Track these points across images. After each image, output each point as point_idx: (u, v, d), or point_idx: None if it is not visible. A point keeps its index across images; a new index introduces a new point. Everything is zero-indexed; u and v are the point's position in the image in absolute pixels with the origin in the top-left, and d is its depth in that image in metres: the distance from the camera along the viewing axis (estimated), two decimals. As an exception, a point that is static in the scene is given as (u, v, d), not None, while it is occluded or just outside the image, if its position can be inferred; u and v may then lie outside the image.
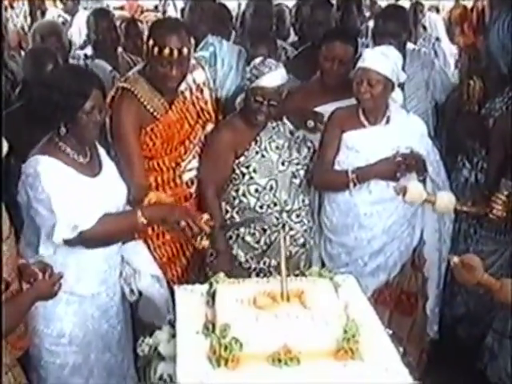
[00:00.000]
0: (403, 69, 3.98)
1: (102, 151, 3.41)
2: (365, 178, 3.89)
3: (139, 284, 3.58)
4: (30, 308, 2.93)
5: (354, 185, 3.89)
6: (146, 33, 6.13)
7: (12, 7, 10.99)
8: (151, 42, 3.55)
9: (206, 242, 3.32)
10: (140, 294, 3.61)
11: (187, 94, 3.89)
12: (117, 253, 3.48)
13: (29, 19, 8.39)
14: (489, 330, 4.18)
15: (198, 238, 3.29)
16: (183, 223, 3.21)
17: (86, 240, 3.16)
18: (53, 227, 3.08)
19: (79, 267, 3.28)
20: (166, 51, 3.50)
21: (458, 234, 4.48)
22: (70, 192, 3.11)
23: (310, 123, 4.09)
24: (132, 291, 3.58)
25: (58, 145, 3.16)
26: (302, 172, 4.02)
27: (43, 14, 6.83)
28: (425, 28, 8.66)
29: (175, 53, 3.51)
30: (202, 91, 3.98)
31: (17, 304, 2.79)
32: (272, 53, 4.57)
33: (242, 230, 3.95)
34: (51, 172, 3.08)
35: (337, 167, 3.97)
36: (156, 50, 3.51)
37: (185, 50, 3.55)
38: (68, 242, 3.14)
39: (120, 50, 5.57)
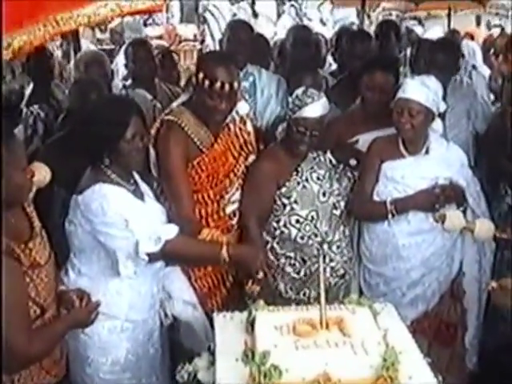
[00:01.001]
0: (445, 98, 3.97)
1: (138, 177, 3.45)
2: (403, 209, 3.88)
3: (172, 309, 3.62)
4: (64, 334, 2.96)
5: (393, 216, 3.87)
6: (181, 63, 6.24)
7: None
8: (201, 75, 3.51)
9: (257, 288, 3.33)
10: (175, 319, 3.64)
11: (231, 125, 3.86)
12: (163, 277, 3.52)
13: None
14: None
15: (250, 283, 3.33)
16: (261, 275, 3.26)
17: (168, 252, 3.23)
18: (135, 245, 3.14)
19: (132, 293, 3.34)
20: (218, 85, 3.48)
21: (501, 262, 4.43)
22: (138, 210, 3.19)
23: (353, 162, 4.06)
24: (166, 315, 3.62)
25: (106, 173, 3.21)
26: (342, 203, 4.01)
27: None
28: (463, 56, 8.65)
29: (226, 86, 3.49)
30: (245, 123, 3.94)
31: (53, 330, 2.82)
32: (316, 83, 4.57)
33: (282, 260, 3.94)
34: (117, 196, 3.15)
35: (376, 198, 3.96)
36: (207, 83, 3.48)
37: (235, 84, 3.54)
38: (152, 257, 3.20)
39: (157, 80, 5.63)
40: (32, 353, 2.65)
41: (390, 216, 3.88)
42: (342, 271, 4.03)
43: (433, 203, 3.81)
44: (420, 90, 3.75)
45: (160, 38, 12.30)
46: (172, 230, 3.24)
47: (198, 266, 3.67)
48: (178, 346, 3.74)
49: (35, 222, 2.89)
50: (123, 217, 3.11)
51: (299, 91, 3.83)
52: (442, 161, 3.91)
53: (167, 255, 3.26)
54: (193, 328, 3.62)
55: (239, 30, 4.87)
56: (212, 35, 12.16)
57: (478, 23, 14.78)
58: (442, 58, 4.68)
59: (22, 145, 2.79)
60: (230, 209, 3.87)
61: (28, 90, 5.58)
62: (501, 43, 5.02)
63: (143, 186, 3.47)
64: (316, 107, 3.76)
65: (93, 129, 3.20)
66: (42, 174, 3.47)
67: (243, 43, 4.71)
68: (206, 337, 3.48)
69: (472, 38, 12.01)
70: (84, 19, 2.87)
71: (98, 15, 2.90)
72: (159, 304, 3.58)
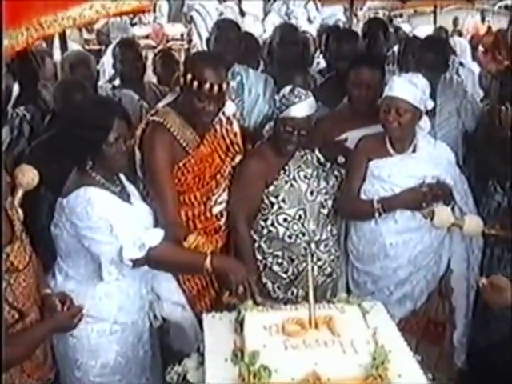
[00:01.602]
0: (435, 97, 3.97)
1: (124, 179, 3.44)
2: (390, 207, 3.88)
3: (162, 310, 3.62)
4: (45, 338, 2.97)
5: (380, 214, 3.88)
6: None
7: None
8: (189, 76, 3.47)
9: (233, 301, 3.28)
10: (164, 320, 3.64)
11: (217, 126, 3.83)
12: (151, 278, 3.51)
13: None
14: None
15: (227, 294, 3.29)
16: (241, 289, 3.21)
17: (153, 259, 3.20)
18: (119, 250, 3.11)
19: (121, 295, 3.32)
20: (207, 86, 3.44)
21: (490, 259, 4.44)
22: (123, 215, 3.16)
23: (341, 159, 4.06)
24: (155, 317, 3.61)
25: (91, 175, 3.19)
26: (329, 202, 4.01)
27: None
28: (454, 53, 8.68)
29: (215, 88, 3.46)
30: (231, 123, 3.92)
31: (32, 334, 2.82)
32: (304, 82, 4.56)
33: (269, 259, 3.94)
34: (102, 200, 3.12)
35: (363, 196, 3.96)
36: (195, 84, 3.44)
37: (224, 86, 3.52)
38: (135, 263, 3.17)
39: (147, 79, 5.61)
40: (9, 356, 2.62)
41: (376, 215, 3.88)
42: (329, 270, 4.03)
43: (420, 202, 3.82)
44: (407, 88, 3.74)
45: (147, 37, 12.29)
46: (156, 236, 3.21)
47: (181, 273, 3.65)
48: (167, 347, 3.74)
49: (16, 226, 2.88)
50: (108, 221, 3.09)
51: (286, 90, 3.82)
52: (429, 159, 3.91)
53: (151, 262, 3.23)
54: (182, 329, 3.62)
55: (227, 29, 4.83)
56: (199, 34, 12.13)
57: (483, 19, 14.76)
58: (432, 56, 4.67)
59: None
60: (216, 210, 3.86)
61: (14, 92, 5.54)
62: (487, 41, 5.04)
63: (130, 187, 3.45)
64: (303, 106, 3.76)
65: (76, 131, 3.16)
66: (29, 176, 3.47)
67: (231, 42, 4.67)
68: (195, 338, 3.46)
69: (460, 34, 12.09)
70: (69, 21, 2.83)
71: (83, 17, 2.86)
72: (148, 305, 3.57)
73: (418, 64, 4.67)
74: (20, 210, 3.24)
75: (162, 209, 3.53)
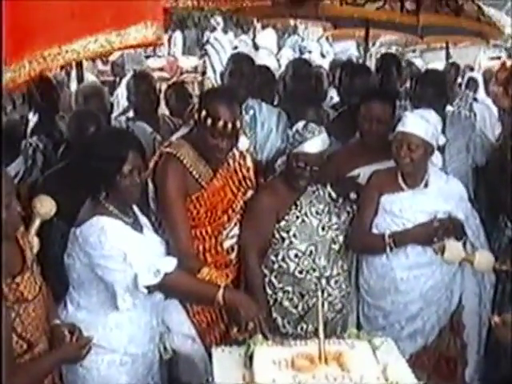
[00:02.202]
0: (443, 132, 3.98)
1: (137, 210, 3.45)
2: (401, 242, 3.88)
3: (172, 343, 3.61)
4: (52, 369, 2.96)
5: (391, 249, 3.87)
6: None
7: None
8: (204, 113, 3.47)
9: (241, 336, 3.28)
10: (174, 352, 3.62)
11: (230, 161, 3.83)
12: (162, 310, 3.50)
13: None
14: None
15: (235, 329, 3.30)
16: (251, 325, 3.21)
17: (167, 285, 3.22)
18: (134, 278, 3.12)
19: (132, 326, 3.31)
20: (220, 124, 3.44)
21: (502, 295, 4.40)
22: (137, 244, 3.18)
23: (353, 195, 4.06)
24: (165, 349, 3.59)
25: (104, 206, 3.20)
26: (341, 237, 3.99)
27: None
28: (460, 86, 8.70)
29: (229, 126, 3.46)
30: (244, 158, 3.92)
31: (39, 364, 2.82)
32: (318, 116, 4.56)
33: (280, 294, 3.92)
34: (115, 229, 3.14)
35: (374, 230, 3.96)
36: (209, 121, 3.45)
37: (238, 123, 3.52)
38: (151, 289, 3.19)
39: (161, 112, 5.63)
40: None
41: (388, 249, 3.87)
42: (339, 306, 4.00)
43: (431, 237, 3.81)
44: (419, 123, 3.76)
45: (161, 69, 12.37)
46: (171, 263, 3.23)
47: (192, 303, 3.64)
48: (175, 380, 3.72)
49: (27, 255, 2.88)
50: (121, 250, 3.10)
51: (300, 125, 3.83)
52: (441, 194, 3.91)
53: (165, 288, 3.25)
54: (192, 361, 3.61)
55: (241, 62, 4.85)
56: (213, 67, 12.22)
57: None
58: (428, 90, 4.68)
59: (9, 180, 2.76)
60: (227, 244, 3.84)
61: (31, 122, 5.59)
62: (501, 76, 5.03)
63: (143, 219, 3.46)
64: (316, 142, 3.77)
65: (90, 163, 3.20)
66: (48, 206, 3.48)
67: (245, 76, 4.68)
68: (205, 370, 3.44)
69: (472, 69, 12.09)
70: (73, 55, 2.80)
71: (87, 50, 2.86)
72: (159, 337, 3.55)
73: (418, 98, 4.69)
74: (36, 240, 3.26)
75: (176, 240, 3.53)
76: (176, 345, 3.63)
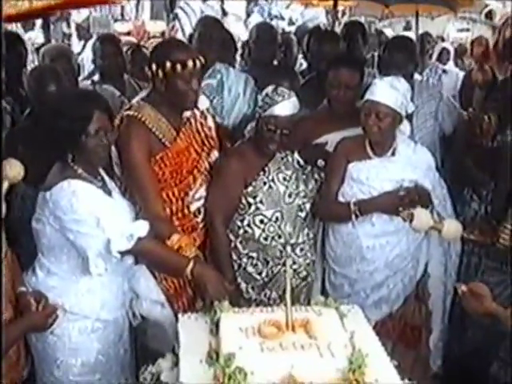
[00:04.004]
0: (411, 100, 3.97)
1: (103, 173, 3.41)
2: (367, 210, 3.87)
3: (141, 309, 3.58)
4: (18, 338, 2.93)
5: (356, 217, 3.86)
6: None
7: (32, 28, 11.11)
8: (168, 64, 3.45)
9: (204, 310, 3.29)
10: (143, 318, 3.61)
11: (192, 120, 3.81)
12: (132, 275, 3.48)
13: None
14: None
15: (201, 303, 3.35)
16: (216, 303, 3.17)
17: (139, 250, 3.21)
18: (107, 243, 3.09)
19: (104, 291, 3.29)
20: (190, 64, 3.45)
21: (467, 267, 4.44)
22: (109, 208, 3.15)
23: (321, 162, 4.04)
24: (134, 315, 3.58)
25: (73, 168, 3.16)
26: (308, 205, 3.98)
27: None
28: (430, 57, 8.73)
29: (198, 63, 3.50)
30: (205, 118, 3.91)
31: (4, 334, 2.75)
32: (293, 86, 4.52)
33: (244, 260, 3.91)
34: (87, 193, 3.10)
35: (341, 198, 3.95)
36: (179, 67, 3.44)
37: (202, 59, 3.55)
38: (123, 254, 3.17)
39: (126, 76, 5.56)
40: None
41: (353, 217, 3.86)
42: (304, 273, 4.01)
43: (396, 206, 3.80)
44: (388, 92, 3.73)
45: (128, 34, 12.25)
46: (144, 227, 3.20)
47: (159, 271, 3.61)
48: (142, 347, 3.70)
49: None
50: (94, 214, 3.07)
51: (269, 89, 3.80)
52: (408, 163, 3.91)
53: (137, 253, 3.25)
54: (161, 328, 3.59)
55: (211, 26, 4.84)
56: (183, 31, 12.12)
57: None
58: (396, 56, 4.66)
59: None
60: (194, 206, 3.81)
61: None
62: (477, 51, 5.02)
63: (110, 183, 3.42)
64: (287, 105, 3.74)
65: (55, 122, 3.15)
66: (16, 170, 3.39)
67: (214, 41, 4.67)
68: (174, 337, 3.43)
69: (443, 40, 12.13)
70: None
71: (29, 2, 2.76)
72: (128, 303, 3.54)
73: (386, 64, 4.67)
74: (4, 204, 3.19)
75: (145, 203, 3.50)
76: (145, 311, 3.60)
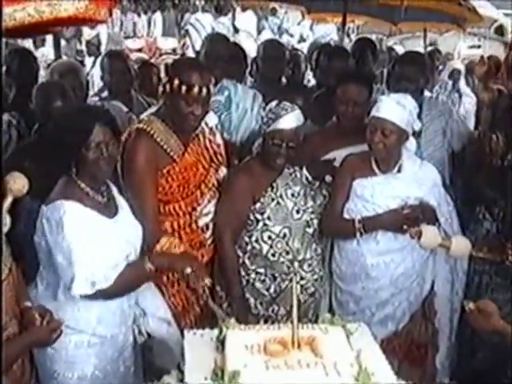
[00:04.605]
0: (420, 116, 3.95)
1: (115, 190, 3.41)
2: (371, 228, 3.86)
3: (147, 326, 3.56)
4: (22, 353, 2.92)
5: (361, 234, 3.86)
6: (162, 75, 6.18)
7: (43, 45, 11.18)
8: (177, 82, 3.48)
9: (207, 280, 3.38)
10: (149, 336, 3.59)
11: (201, 136, 3.84)
12: (139, 293, 3.48)
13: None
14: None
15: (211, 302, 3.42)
16: (188, 269, 3.29)
17: (103, 295, 3.18)
18: (71, 281, 3.08)
19: (100, 307, 3.27)
20: (195, 90, 3.47)
21: (479, 286, 4.39)
22: (91, 240, 3.11)
23: (329, 178, 4.05)
24: (140, 332, 3.56)
25: (77, 183, 3.17)
26: (315, 221, 3.99)
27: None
28: (439, 73, 8.73)
29: (204, 91, 3.50)
30: (214, 134, 3.94)
31: (9, 349, 2.75)
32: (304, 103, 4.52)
33: (252, 276, 3.92)
34: (75, 219, 3.08)
35: (346, 215, 3.94)
36: (184, 88, 3.47)
37: (211, 88, 3.57)
38: (85, 297, 3.15)
39: (134, 92, 5.58)
40: None
41: (358, 234, 3.86)
42: (312, 289, 4.01)
43: (401, 224, 3.79)
44: (395, 109, 3.72)
45: (140, 50, 12.31)
46: (109, 279, 3.15)
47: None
48: (149, 364, 3.68)
49: None
50: (71, 245, 3.05)
51: (272, 104, 3.84)
52: (414, 180, 3.89)
53: (102, 297, 3.20)
54: (167, 345, 3.56)
55: (217, 43, 4.86)
56: (194, 48, 12.18)
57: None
58: (407, 69, 4.65)
59: None
60: (202, 222, 3.84)
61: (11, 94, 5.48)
62: (479, 71, 4.99)
63: (120, 200, 3.42)
64: (290, 118, 3.76)
65: (57, 136, 3.17)
66: (21, 183, 3.39)
67: (221, 57, 4.68)
68: (181, 355, 3.41)
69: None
70: None
71: (13, 19, 2.77)
72: (133, 321, 3.52)
73: (396, 78, 4.66)
74: (8, 218, 3.19)
75: (142, 215, 3.49)
76: (151, 328, 3.58)
